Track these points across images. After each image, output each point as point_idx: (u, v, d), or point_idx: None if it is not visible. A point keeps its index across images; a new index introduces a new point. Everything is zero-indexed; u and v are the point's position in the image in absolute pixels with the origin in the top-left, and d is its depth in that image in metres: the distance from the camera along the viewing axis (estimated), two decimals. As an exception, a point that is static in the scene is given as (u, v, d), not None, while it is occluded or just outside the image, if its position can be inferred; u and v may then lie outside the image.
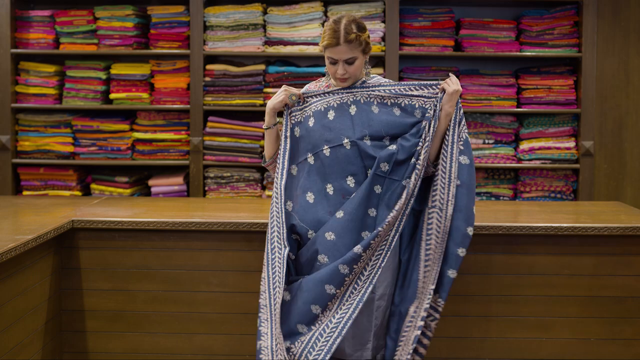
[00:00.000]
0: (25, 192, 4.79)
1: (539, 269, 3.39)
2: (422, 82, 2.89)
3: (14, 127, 4.77)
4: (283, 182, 2.84)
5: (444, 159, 2.84)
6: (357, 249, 2.75)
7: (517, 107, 4.78)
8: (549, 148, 4.74)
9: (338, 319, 2.75)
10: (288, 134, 2.90)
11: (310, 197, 2.84)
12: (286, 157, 2.87)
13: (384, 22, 4.68)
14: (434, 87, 2.88)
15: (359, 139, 2.82)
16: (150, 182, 4.80)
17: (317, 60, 4.90)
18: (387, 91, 2.89)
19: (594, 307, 3.40)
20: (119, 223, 3.40)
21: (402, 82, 2.92)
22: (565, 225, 3.35)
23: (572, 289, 3.40)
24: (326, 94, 2.91)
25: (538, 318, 3.41)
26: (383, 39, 4.68)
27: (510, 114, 4.78)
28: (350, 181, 2.81)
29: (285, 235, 2.80)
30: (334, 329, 2.73)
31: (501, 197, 4.78)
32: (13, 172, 4.77)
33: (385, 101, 2.87)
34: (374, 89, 2.89)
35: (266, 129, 2.94)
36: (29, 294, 3.16)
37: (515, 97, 4.77)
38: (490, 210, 3.76)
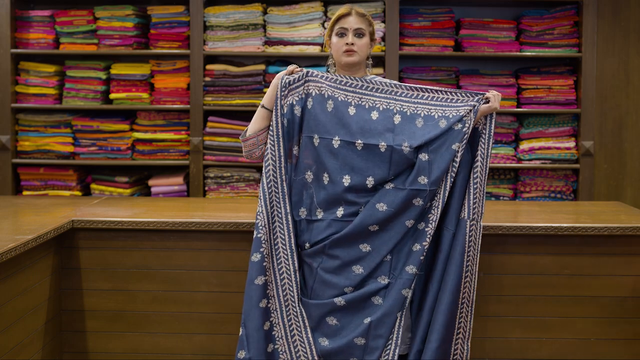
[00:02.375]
0: (25, 192, 4.79)
1: (539, 269, 3.39)
2: (467, 92, 2.90)
3: (14, 127, 4.77)
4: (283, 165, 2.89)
5: (481, 172, 2.86)
6: (411, 268, 2.83)
7: (517, 107, 4.77)
8: (549, 148, 4.74)
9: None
10: (292, 112, 2.92)
11: (325, 178, 2.86)
12: (282, 137, 2.89)
13: (384, 22, 4.68)
14: (477, 95, 2.89)
15: (397, 145, 2.82)
16: (150, 182, 4.80)
17: (317, 60, 4.89)
18: (425, 101, 2.90)
19: (594, 307, 3.40)
20: (119, 223, 3.40)
21: (440, 89, 2.91)
22: (565, 225, 3.35)
23: (572, 289, 3.40)
24: (356, 90, 2.91)
25: (538, 318, 3.41)
26: (383, 39, 4.67)
27: (510, 114, 4.78)
28: (370, 182, 2.83)
29: (292, 237, 2.89)
30: (390, 342, 2.86)
31: (501, 197, 4.78)
32: (13, 172, 4.77)
33: (419, 112, 2.88)
34: (413, 99, 2.89)
35: (263, 106, 2.97)
36: (29, 294, 3.16)
37: (515, 97, 4.77)
38: (490, 210, 3.75)
